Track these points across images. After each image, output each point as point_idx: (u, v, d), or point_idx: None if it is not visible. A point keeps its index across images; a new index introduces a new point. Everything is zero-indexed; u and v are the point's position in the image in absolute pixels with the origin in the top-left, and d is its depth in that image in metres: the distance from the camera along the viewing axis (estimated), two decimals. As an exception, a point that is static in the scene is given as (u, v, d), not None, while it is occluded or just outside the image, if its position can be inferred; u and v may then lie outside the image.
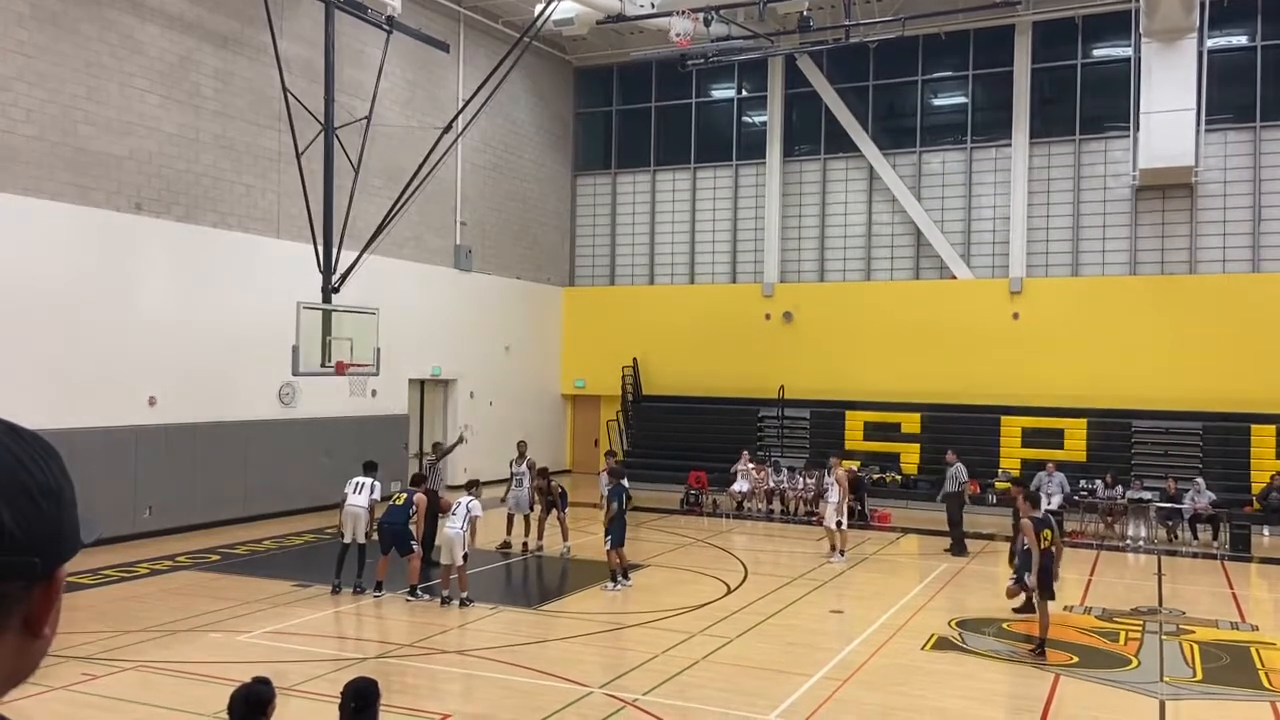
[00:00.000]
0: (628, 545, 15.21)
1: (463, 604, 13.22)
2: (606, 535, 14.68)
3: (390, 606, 13.46)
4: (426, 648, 11.51)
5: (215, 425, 19.15)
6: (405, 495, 13.97)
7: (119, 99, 17.62)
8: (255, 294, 19.70)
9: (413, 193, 19.31)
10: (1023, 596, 12.75)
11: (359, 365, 17.82)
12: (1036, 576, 11.55)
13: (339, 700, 5.46)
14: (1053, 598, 11.71)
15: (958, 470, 18.60)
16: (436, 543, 14.25)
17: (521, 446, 18.48)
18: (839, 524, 17.06)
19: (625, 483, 15.31)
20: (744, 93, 29.34)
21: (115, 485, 16.73)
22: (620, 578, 14.65)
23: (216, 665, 10.32)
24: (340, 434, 21.46)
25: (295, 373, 17.20)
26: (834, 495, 17.20)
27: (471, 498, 13.79)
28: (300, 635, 11.91)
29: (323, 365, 17.24)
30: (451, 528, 13.35)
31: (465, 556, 13.37)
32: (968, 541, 18.18)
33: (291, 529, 19.03)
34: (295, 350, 16.70)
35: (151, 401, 18.02)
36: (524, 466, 17.89)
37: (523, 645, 11.57)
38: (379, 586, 13.71)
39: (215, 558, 16.39)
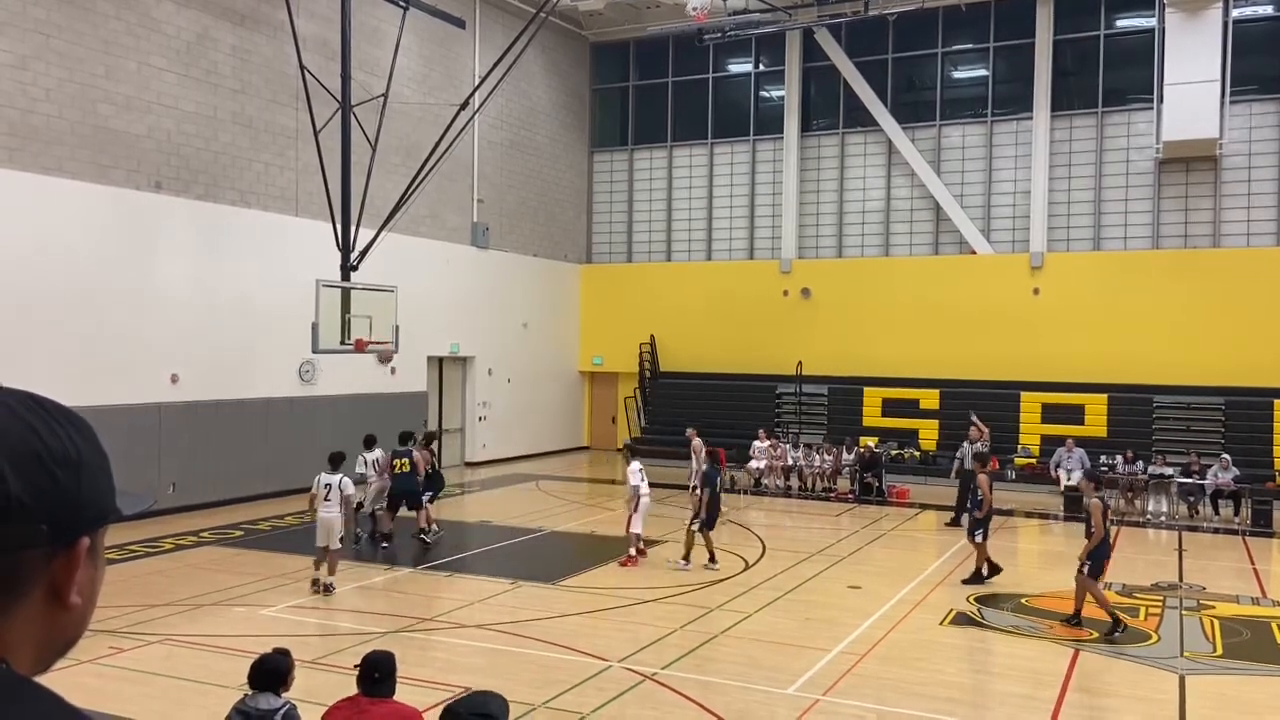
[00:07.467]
0: (650, 523, 15.27)
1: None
2: (696, 516, 14.45)
3: (411, 583, 13.59)
4: (447, 622, 11.61)
5: (237, 402, 19.29)
6: (407, 460, 14.29)
7: (137, 77, 17.65)
8: (275, 272, 19.79)
9: (430, 170, 19.30)
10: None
11: (378, 343, 17.90)
12: (1088, 554, 11.58)
13: (357, 672, 5.53)
14: (1098, 576, 11.78)
15: (980, 444, 18.58)
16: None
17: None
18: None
19: (715, 465, 15.09)
20: (761, 67, 29.09)
21: (139, 462, 16.90)
22: (708, 560, 14.28)
23: (240, 639, 10.45)
24: (360, 411, 21.56)
25: (315, 350, 17.29)
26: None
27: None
28: (322, 609, 12.05)
29: (342, 343, 17.32)
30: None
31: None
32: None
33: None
34: (315, 328, 16.78)
35: (174, 379, 18.17)
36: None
37: (542, 620, 11.65)
38: (388, 537, 13.95)
39: (238, 533, 16.57)
